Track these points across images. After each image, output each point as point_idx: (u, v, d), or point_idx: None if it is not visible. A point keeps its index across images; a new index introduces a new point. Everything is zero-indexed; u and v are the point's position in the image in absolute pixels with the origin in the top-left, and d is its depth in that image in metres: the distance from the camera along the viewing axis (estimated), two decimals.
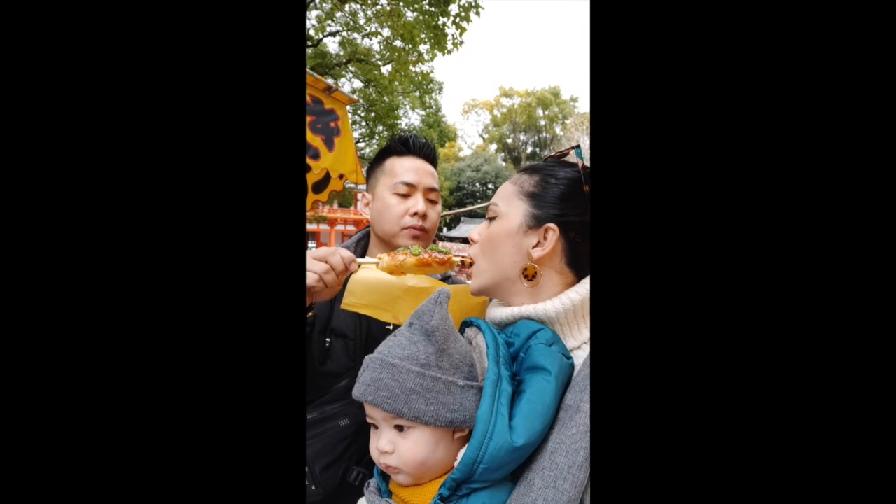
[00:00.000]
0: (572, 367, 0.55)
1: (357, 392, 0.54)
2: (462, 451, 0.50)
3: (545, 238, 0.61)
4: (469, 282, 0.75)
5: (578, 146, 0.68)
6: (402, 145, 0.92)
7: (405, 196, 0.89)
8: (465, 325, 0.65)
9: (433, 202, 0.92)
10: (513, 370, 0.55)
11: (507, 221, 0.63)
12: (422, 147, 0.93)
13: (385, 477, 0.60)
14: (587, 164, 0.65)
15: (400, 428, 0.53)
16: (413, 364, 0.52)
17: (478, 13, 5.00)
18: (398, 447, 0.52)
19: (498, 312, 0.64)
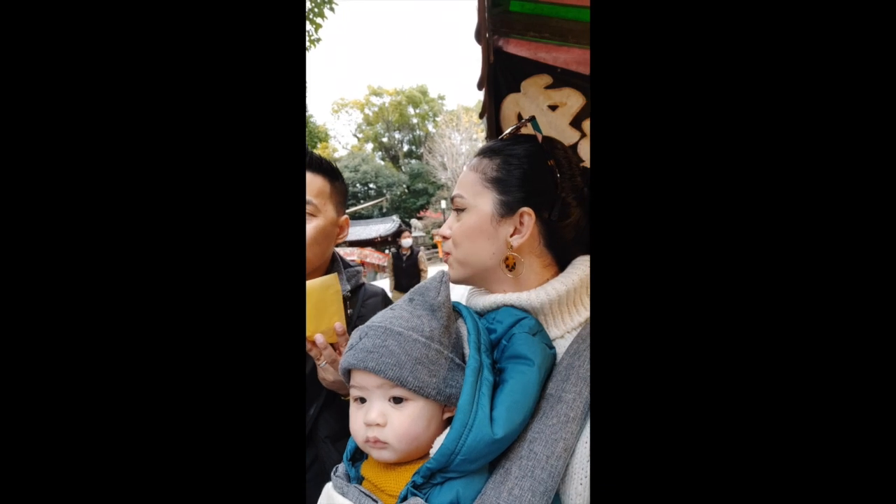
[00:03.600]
0: (554, 357, 0.54)
1: (354, 359, 0.50)
2: (440, 438, 0.49)
3: (521, 224, 0.58)
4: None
5: (533, 117, 0.64)
6: None
7: None
8: None
9: (308, 214, 0.82)
10: (493, 358, 0.53)
11: (478, 213, 0.59)
12: None
13: (355, 461, 0.56)
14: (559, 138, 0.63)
15: (395, 400, 0.50)
16: (419, 334, 0.51)
17: (332, 9, 4.85)
18: (391, 420, 0.50)
19: (480, 299, 0.61)
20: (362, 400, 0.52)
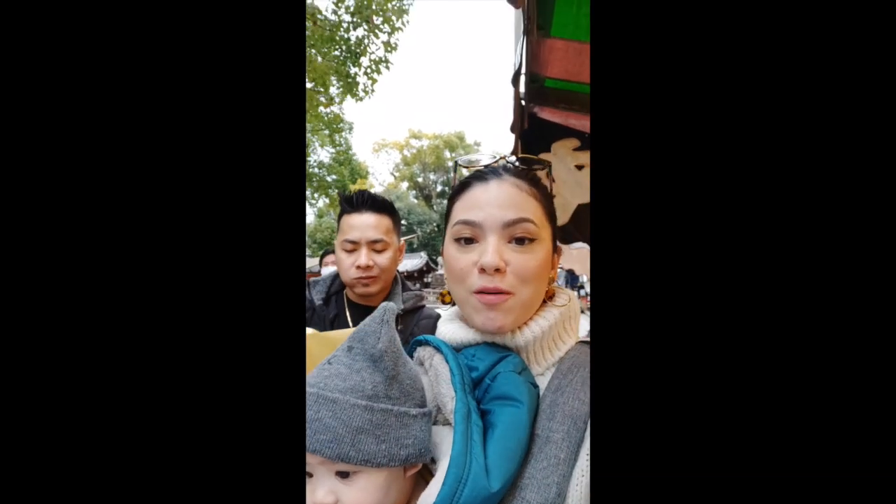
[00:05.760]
0: (538, 395, 0.51)
1: None
2: (427, 496, 0.43)
3: (556, 262, 0.57)
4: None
5: (550, 164, 0.63)
6: (348, 204, 1.05)
7: (351, 251, 1.03)
8: (417, 343, 0.58)
9: (380, 251, 1.04)
10: (476, 397, 0.50)
11: (545, 247, 0.54)
12: (364, 202, 1.05)
13: None
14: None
15: (343, 474, 0.44)
16: (358, 397, 0.44)
17: (388, 67, 5.43)
18: (342, 498, 0.44)
19: (459, 334, 0.56)
20: (309, 475, 0.45)
